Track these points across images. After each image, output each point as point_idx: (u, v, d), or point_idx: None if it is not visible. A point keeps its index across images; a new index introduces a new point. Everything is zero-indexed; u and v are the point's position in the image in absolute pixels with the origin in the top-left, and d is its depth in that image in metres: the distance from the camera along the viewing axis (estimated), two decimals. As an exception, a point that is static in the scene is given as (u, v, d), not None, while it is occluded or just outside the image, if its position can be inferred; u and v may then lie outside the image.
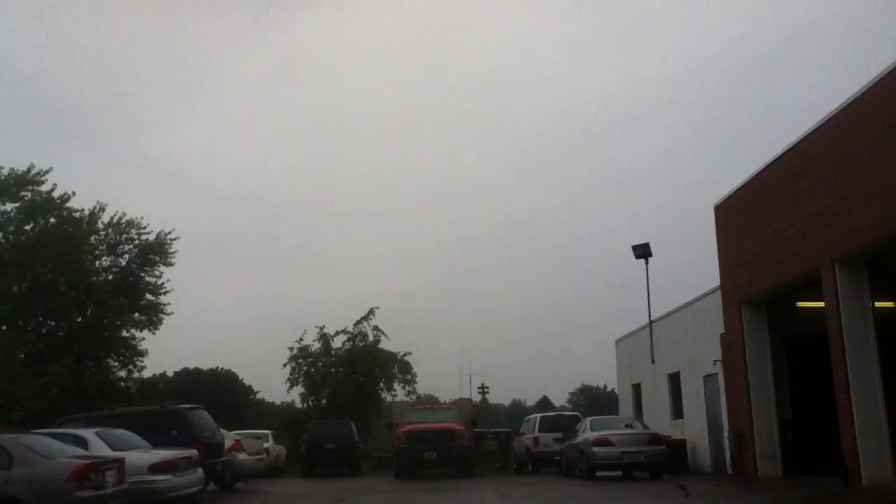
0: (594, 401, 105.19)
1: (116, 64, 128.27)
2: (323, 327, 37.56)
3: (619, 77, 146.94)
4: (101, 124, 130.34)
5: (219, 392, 74.85)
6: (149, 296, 40.54)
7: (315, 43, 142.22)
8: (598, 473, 21.90)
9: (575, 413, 28.53)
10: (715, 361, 22.40)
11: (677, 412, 25.94)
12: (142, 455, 15.35)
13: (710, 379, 23.25)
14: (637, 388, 29.87)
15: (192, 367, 79.19)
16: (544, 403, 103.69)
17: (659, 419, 25.87)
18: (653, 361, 27.68)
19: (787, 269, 18.61)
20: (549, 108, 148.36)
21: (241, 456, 21.24)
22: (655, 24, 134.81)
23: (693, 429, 24.39)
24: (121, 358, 40.41)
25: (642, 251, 28.22)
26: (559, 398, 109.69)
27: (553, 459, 26.36)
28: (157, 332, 40.88)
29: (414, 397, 38.82)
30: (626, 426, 23.17)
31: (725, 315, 21.87)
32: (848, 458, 15.99)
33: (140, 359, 40.89)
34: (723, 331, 22.06)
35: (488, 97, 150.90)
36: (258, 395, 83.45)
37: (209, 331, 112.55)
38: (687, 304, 25.01)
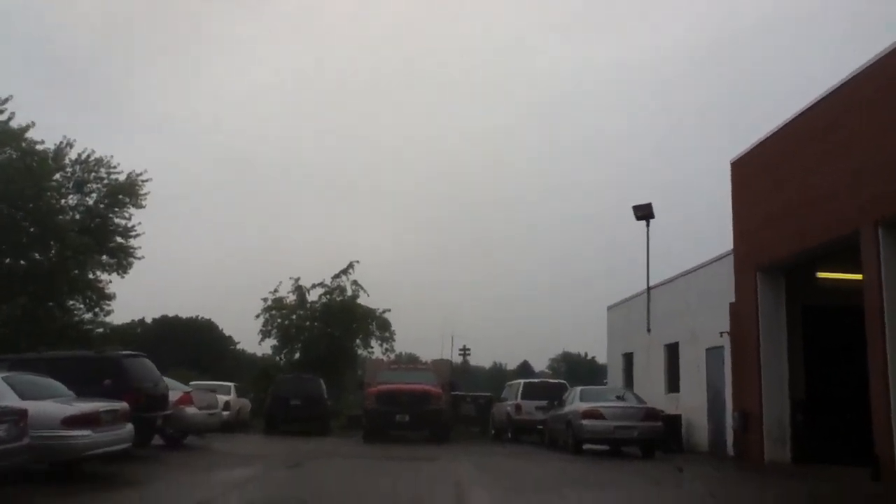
0: (575, 369, 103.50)
1: (115, 20, 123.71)
2: (298, 279, 34.87)
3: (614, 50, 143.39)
4: (96, 78, 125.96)
5: (197, 341, 72.52)
6: (118, 238, 37.67)
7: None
8: (585, 447, 19.45)
9: (562, 381, 26.07)
10: (721, 333, 19.89)
11: (673, 385, 23.51)
12: (55, 406, 12.67)
13: (713, 352, 20.77)
14: (629, 358, 27.41)
15: (171, 314, 76.65)
16: (525, 368, 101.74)
17: (652, 392, 23.38)
18: (648, 330, 25.19)
19: (816, 233, 16.04)
20: (545, 71, 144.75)
21: (191, 410, 18.61)
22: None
23: (690, 404, 21.97)
24: (87, 301, 37.67)
25: (644, 212, 25.58)
26: (540, 364, 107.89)
27: (535, 428, 23.95)
28: (125, 275, 38.13)
29: (392, 356, 36.25)
30: (618, 398, 20.71)
31: (738, 282, 19.33)
32: (880, 448, 13.50)
33: (107, 302, 38.11)
34: (733, 300, 19.52)
35: (485, 56, 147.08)
36: (238, 346, 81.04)
37: (191, 281, 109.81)
38: (692, 270, 22.46)
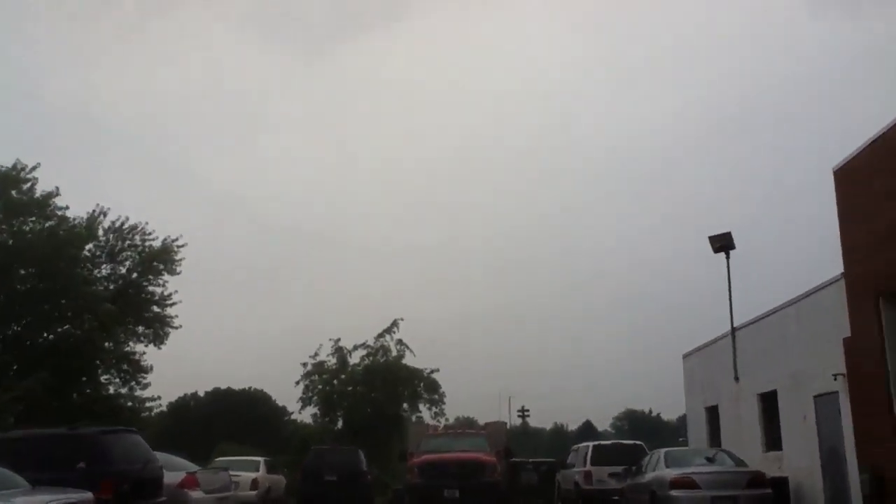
0: (639, 426, 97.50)
1: (169, 97, 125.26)
2: (338, 340, 31.49)
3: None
4: (154, 154, 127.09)
5: (251, 414, 69.44)
6: (154, 308, 34.95)
7: (358, 79, 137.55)
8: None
9: (637, 443, 21.88)
10: (835, 376, 15.78)
11: (772, 442, 19.27)
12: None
13: (824, 400, 16.64)
14: (713, 412, 23.14)
15: (223, 386, 73.83)
16: (587, 428, 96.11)
17: (745, 451, 19.03)
18: (736, 379, 21.04)
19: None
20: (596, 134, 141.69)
21: (195, 494, 15.17)
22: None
23: (798, 464, 17.73)
24: (121, 374, 34.83)
25: (722, 242, 21.71)
26: (602, 423, 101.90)
27: (609, 500, 19.81)
28: (162, 346, 35.34)
29: (443, 420, 32.43)
30: (708, 460, 16.64)
31: (853, 312, 15.35)
32: None
33: (143, 375, 35.24)
34: (847, 334, 15.48)
35: (533, 121, 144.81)
36: (293, 417, 77.63)
37: (243, 352, 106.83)
38: (789, 303, 18.44)
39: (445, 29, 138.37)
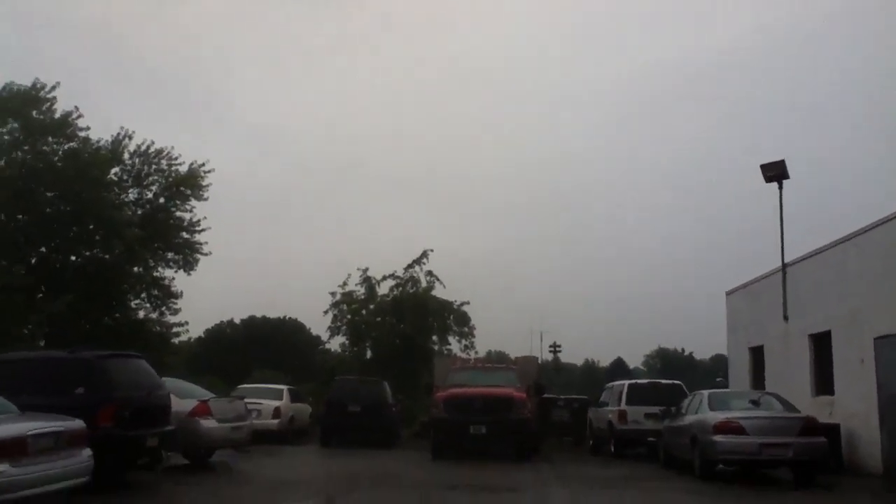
0: (671, 365, 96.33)
1: (200, 32, 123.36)
2: (366, 269, 30.31)
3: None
4: (192, 91, 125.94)
5: (285, 342, 69.49)
6: (183, 234, 34.06)
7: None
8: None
9: (676, 382, 20.43)
10: (902, 316, 14.18)
11: (823, 387, 17.79)
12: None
13: (886, 342, 15.07)
14: (758, 353, 21.65)
15: (258, 315, 73.87)
16: (618, 366, 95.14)
17: (792, 395, 17.38)
18: (786, 318, 19.49)
19: None
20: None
21: (207, 423, 14.21)
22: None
23: (851, 411, 16.28)
24: (151, 299, 34.19)
25: (775, 171, 19.90)
26: (634, 360, 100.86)
27: (644, 441, 18.60)
28: (192, 272, 34.53)
29: (473, 353, 31.33)
30: (753, 403, 15.20)
31: (927, 245, 13.62)
32: None
33: (174, 301, 34.58)
34: (918, 270, 13.83)
35: (579, 56, 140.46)
36: (327, 346, 77.66)
37: (277, 282, 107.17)
38: (849, 237, 16.71)
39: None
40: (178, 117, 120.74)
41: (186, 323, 32.96)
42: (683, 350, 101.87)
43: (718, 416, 13.86)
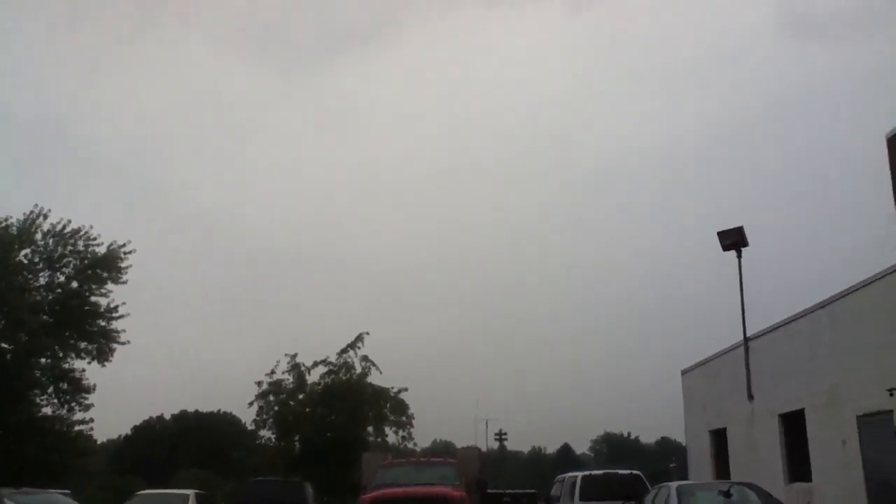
0: (618, 450, 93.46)
1: (147, 118, 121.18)
2: (295, 355, 27.35)
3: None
4: (134, 177, 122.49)
5: (219, 437, 64.90)
6: (100, 322, 30.79)
7: (340, 100, 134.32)
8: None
9: (634, 472, 17.83)
10: (892, 391, 12.13)
11: (798, 473, 15.58)
12: None
13: (872, 420, 13.02)
14: (720, 436, 19.40)
15: (191, 409, 69.07)
16: (565, 452, 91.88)
17: (762, 482, 15.09)
18: (750, 397, 17.40)
19: None
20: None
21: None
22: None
23: (834, 499, 14.03)
24: (59, 394, 30.54)
25: (733, 238, 18.17)
26: (580, 446, 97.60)
27: (603, 542, 15.97)
28: (107, 363, 31.12)
29: (412, 445, 28.34)
30: (723, 494, 12.78)
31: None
32: None
33: (84, 396, 30.97)
34: (905, 338, 11.90)
35: (509, 150, 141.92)
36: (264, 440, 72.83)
37: (211, 375, 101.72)
38: (820, 305, 14.83)
39: (433, 48, 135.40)
40: (107, 198, 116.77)
41: (91, 420, 29.37)
42: (629, 434, 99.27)
43: (693, 517, 11.44)
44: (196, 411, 68.74)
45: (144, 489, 26.32)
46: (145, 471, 51.89)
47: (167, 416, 69.01)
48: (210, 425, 66.74)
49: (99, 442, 67.01)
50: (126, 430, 70.00)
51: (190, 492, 19.64)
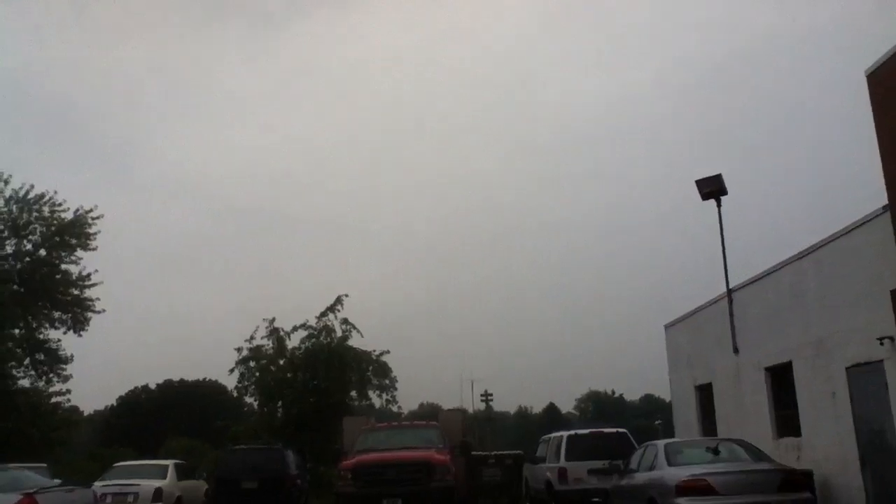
0: (603, 408, 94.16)
1: (117, 79, 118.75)
2: (273, 320, 26.80)
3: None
4: (94, 141, 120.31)
5: (205, 406, 64.44)
6: (73, 290, 29.95)
7: (304, 56, 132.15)
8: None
9: (620, 430, 17.46)
10: (882, 340, 11.71)
11: (786, 427, 15.19)
12: None
13: (862, 371, 12.57)
14: (705, 391, 19.03)
15: (176, 378, 68.50)
16: (551, 412, 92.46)
17: (749, 437, 14.76)
18: (735, 350, 16.96)
19: None
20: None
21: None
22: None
23: (824, 452, 13.68)
24: (36, 366, 29.83)
25: (712, 187, 17.59)
26: (566, 405, 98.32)
27: (589, 501, 15.60)
28: (83, 332, 30.38)
29: (396, 408, 28.04)
30: (711, 451, 12.40)
31: (905, 256, 11.24)
32: None
33: (62, 367, 30.25)
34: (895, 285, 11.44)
35: (488, 100, 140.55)
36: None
37: (196, 342, 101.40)
38: (804, 253, 14.30)
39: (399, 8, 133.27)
40: (85, 164, 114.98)
41: (68, 392, 28.73)
42: (614, 392, 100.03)
43: (681, 474, 10.96)
44: (181, 380, 68.29)
45: (131, 459, 25.88)
46: (134, 441, 51.53)
47: (152, 387, 68.54)
48: (195, 394, 66.30)
49: (86, 413, 66.81)
50: (112, 401, 69.65)
51: (169, 462, 19.10)
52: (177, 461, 19.72)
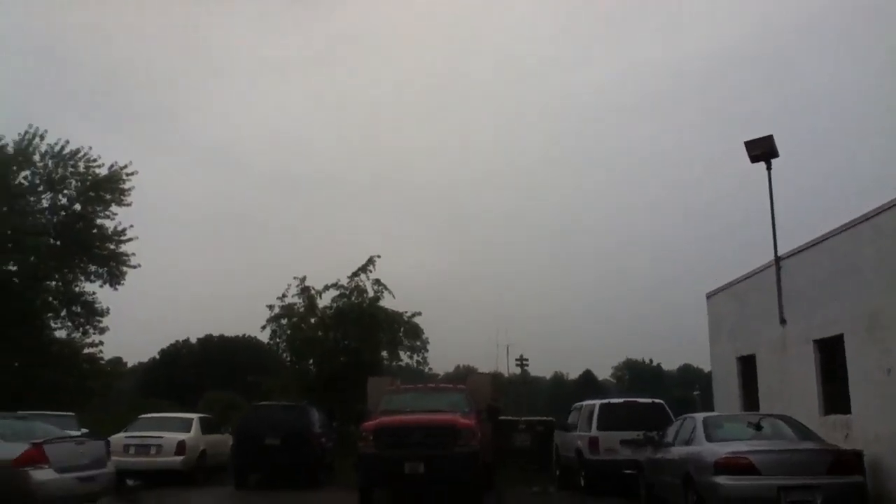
0: (639, 377, 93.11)
1: (150, 48, 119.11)
2: (304, 278, 26.30)
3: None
4: (134, 105, 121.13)
5: (243, 361, 65.00)
6: (109, 245, 29.94)
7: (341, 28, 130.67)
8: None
9: (657, 401, 16.54)
10: (949, 312, 10.62)
11: (835, 404, 14.16)
12: None
13: (922, 346, 11.50)
14: (748, 363, 18.00)
15: (216, 334, 69.10)
16: (587, 378, 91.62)
17: (795, 413, 13.83)
18: (782, 321, 15.90)
19: None
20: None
21: (40, 475, 10.19)
22: None
23: (875, 432, 12.65)
24: (73, 318, 29.98)
25: (763, 148, 16.39)
26: (602, 372, 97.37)
27: (621, 474, 14.81)
28: (119, 286, 30.40)
29: (427, 369, 27.50)
30: (753, 427, 11.49)
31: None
32: None
33: (98, 319, 30.39)
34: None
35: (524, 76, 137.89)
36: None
37: (233, 300, 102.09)
38: (861, 219, 13.15)
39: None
40: (124, 132, 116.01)
41: (101, 343, 28.85)
42: (651, 361, 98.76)
43: (720, 450, 10.13)
44: (221, 335, 68.89)
45: (170, 411, 25.88)
46: (174, 393, 52.25)
47: (193, 341, 69.32)
48: (235, 348, 66.82)
49: (130, 365, 67.94)
50: (154, 354, 70.68)
51: (194, 416, 18.84)
52: (202, 415, 19.47)
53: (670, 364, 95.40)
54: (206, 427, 18.53)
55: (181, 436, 17.06)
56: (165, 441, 16.75)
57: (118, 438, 16.45)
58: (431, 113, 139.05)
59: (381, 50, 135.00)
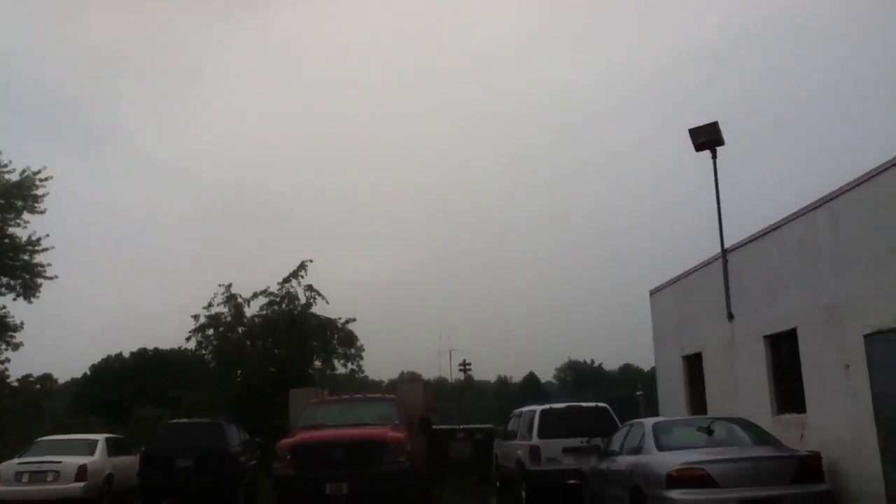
0: (582, 378, 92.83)
1: (101, 62, 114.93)
2: (229, 286, 24.57)
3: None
4: (87, 121, 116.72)
5: (180, 374, 62.22)
6: (23, 256, 27.66)
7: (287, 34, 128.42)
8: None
9: (601, 405, 15.26)
10: (912, 302, 9.63)
11: (787, 403, 13.16)
12: None
13: (881, 340, 10.51)
14: (694, 362, 16.95)
15: (150, 347, 66.05)
16: (530, 381, 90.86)
17: (743, 412, 12.82)
18: (730, 317, 14.88)
19: None
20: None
21: None
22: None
23: (833, 433, 11.63)
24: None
25: (707, 136, 15.39)
26: (545, 374, 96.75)
27: (564, 485, 13.58)
28: (34, 299, 28.14)
29: (364, 377, 25.97)
30: (704, 431, 10.39)
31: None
32: None
33: (11, 334, 28.09)
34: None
35: (464, 82, 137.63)
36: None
37: (172, 312, 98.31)
38: (815, 205, 12.17)
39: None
40: (46, 137, 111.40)
41: (7, 361, 26.63)
42: (593, 361, 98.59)
43: (673, 461, 8.92)
44: (156, 349, 65.90)
45: (100, 429, 24.05)
46: (106, 410, 49.56)
47: (126, 355, 66.23)
48: (170, 362, 63.94)
49: (61, 381, 64.25)
50: (84, 370, 67.39)
51: (100, 437, 16.92)
52: (110, 435, 17.55)
53: (612, 364, 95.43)
54: (115, 448, 16.65)
55: (83, 460, 15.19)
56: (64, 466, 14.88)
57: (9, 465, 14.58)
58: (377, 118, 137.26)
59: (309, 57, 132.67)
